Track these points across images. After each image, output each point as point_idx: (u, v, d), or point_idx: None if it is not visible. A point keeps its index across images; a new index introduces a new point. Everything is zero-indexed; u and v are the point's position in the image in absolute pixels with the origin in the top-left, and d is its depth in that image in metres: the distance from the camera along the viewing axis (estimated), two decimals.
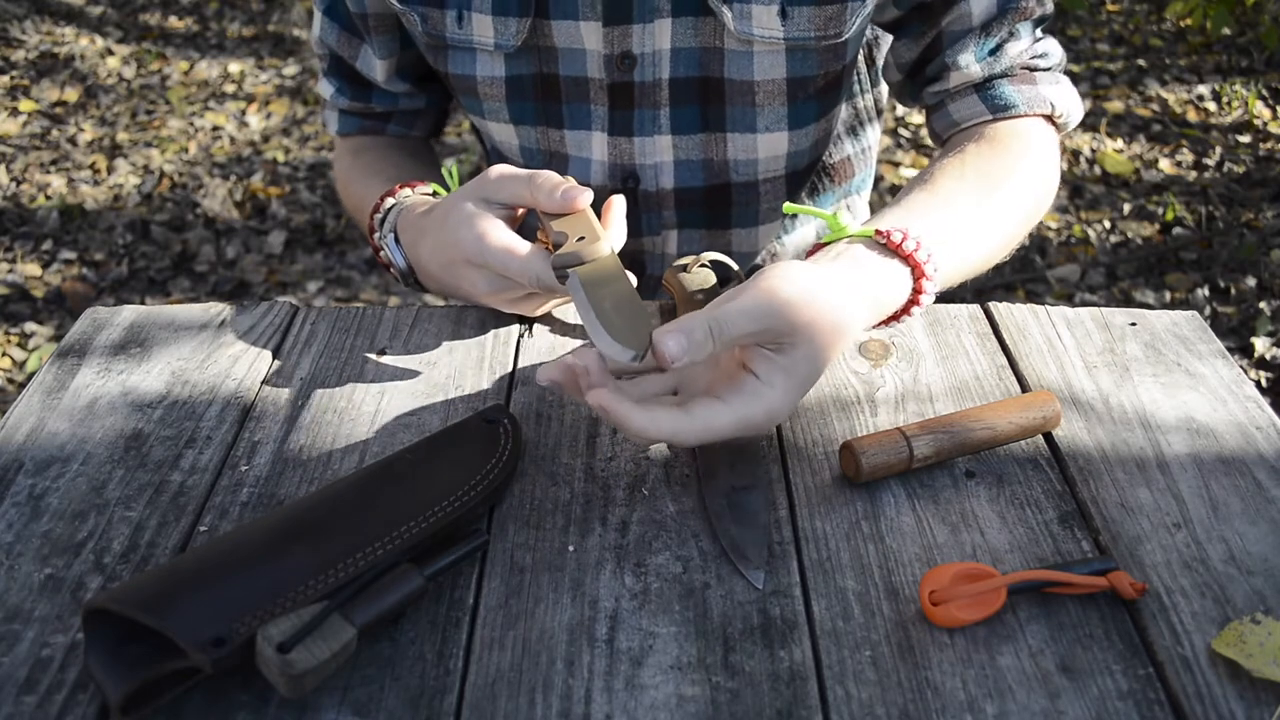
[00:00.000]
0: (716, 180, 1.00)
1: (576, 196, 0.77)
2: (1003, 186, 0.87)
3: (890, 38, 0.97)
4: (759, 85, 0.93)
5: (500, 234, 0.78)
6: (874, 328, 0.81)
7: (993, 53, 0.92)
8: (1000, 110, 0.92)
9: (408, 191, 0.92)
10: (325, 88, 1.07)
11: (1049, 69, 0.94)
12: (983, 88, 0.93)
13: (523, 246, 0.77)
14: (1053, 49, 0.95)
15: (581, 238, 0.75)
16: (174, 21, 3.91)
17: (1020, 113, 0.92)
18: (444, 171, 0.96)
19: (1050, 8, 0.93)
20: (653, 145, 0.97)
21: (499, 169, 0.81)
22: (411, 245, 0.87)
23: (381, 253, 0.91)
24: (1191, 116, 3.19)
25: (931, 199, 0.83)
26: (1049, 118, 0.94)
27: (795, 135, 0.97)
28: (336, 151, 1.13)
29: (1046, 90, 0.92)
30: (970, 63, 0.91)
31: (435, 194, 0.92)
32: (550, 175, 0.78)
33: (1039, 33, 0.94)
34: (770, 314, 0.66)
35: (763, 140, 0.97)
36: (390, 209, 0.91)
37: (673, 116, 0.95)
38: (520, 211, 0.83)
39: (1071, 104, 0.94)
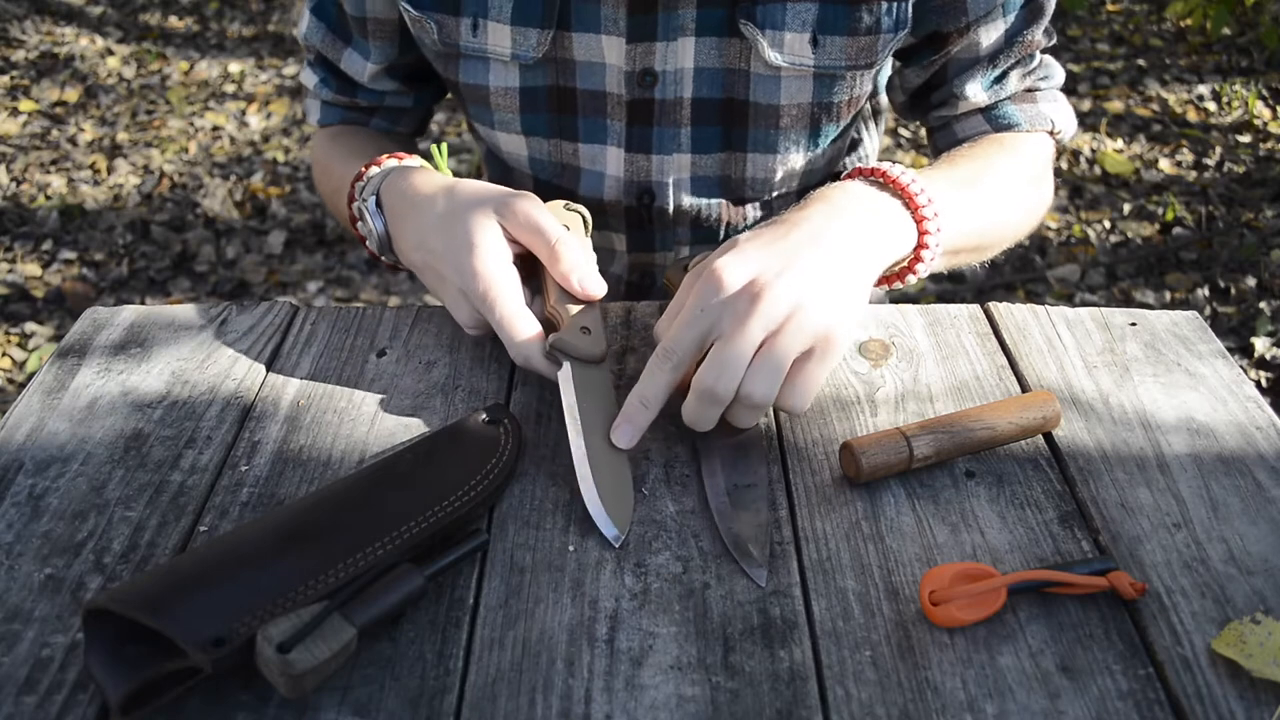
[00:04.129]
0: (731, 196, 0.99)
1: (593, 291, 0.76)
2: (1005, 161, 0.91)
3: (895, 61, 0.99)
4: (784, 109, 0.92)
5: (509, 299, 0.74)
6: (885, 279, 0.80)
7: (998, 80, 0.95)
8: (1004, 128, 0.96)
9: (394, 161, 0.87)
10: (309, 78, 1.04)
11: (1049, 89, 0.98)
12: (987, 110, 0.96)
13: (526, 327, 0.74)
14: (1054, 70, 0.98)
15: (585, 328, 0.75)
16: (174, 21, 3.91)
17: (1024, 130, 0.95)
18: (432, 149, 0.92)
19: (1054, 39, 0.96)
20: (672, 163, 0.96)
21: (528, 206, 0.76)
22: (396, 217, 0.82)
23: (358, 223, 0.86)
24: (1191, 116, 3.19)
25: (929, 167, 0.86)
26: (1049, 133, 0.97)
27: (812, 155, 0.98)
28: (315, 139, 1.09)
29: (1046, 108, 0.96)
30: (977, 91, 0.94)
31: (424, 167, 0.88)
32: (573, 255, 0.75)
33: (1040, 56, 0.97)
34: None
35: (781, 160, 0.96)
36: (375, 175, 0.86)
37: (694, 136, 0.94)
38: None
39: (1068, 120, 0.98)
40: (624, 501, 0.68)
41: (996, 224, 0.90)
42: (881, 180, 0.78)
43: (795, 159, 0.97)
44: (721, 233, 1.02)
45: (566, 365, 0.73)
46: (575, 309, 0.76)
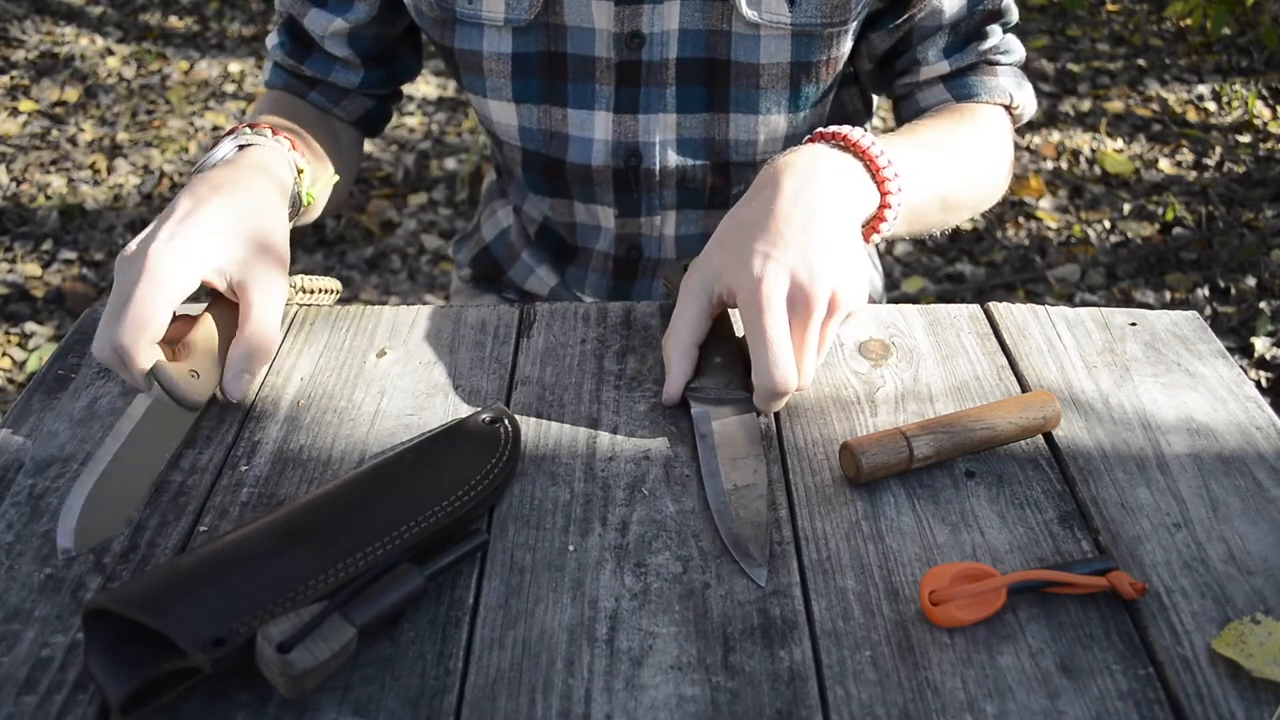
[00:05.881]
0: (717, 159, 1.01)
1: (230, 395, 0.76)
2: (963, 129, 0.95)
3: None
4: (764, 68, 0.94)
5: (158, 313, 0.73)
6: (866, 231, 0.83)
7: (960, 49, 0.98)
8: (964, 97, 0.99)
9: (247, 134, 0.86)
10: (271, 39, 1.05)
11: (1010, 65, 1.01)
12: (949, 79, 0.99)
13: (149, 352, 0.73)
14: (1014, 46, 1.01)
15: (194, 372, 0.74)
16: (174, 21, 3.90)
17: (983, 100, 0.98)
18: (305, 182, 0.90)
19: (1015, 15, 1.00)
20: (658, 123, 0.98)
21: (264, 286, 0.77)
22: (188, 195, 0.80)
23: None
24: (1191, 116, 3.19)
25: (891, 133, 0.90)
26: (1007, 108, 1.00)
27: (794, 118, 0.99)
28: (257, 101, 1.09)
29: (1006, 82, 0.99)
30: (939, 58, 0.98)
31: (299, 176, 0.88)
32: (249, 349, 0.76)
33: (1003, 32, 1.00)
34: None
35: (763, 121, 0.98)
36: (217, 149, 0.86)
37: (678, 95, 0.97)
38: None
39: (1028, 99, 1.01)
40: (112, 512, 0.64)
41: (956, 188, 0.93)
42: (843, 144, 0.81)
43: (777, 121, 0.99)
44: (707, 197, 1.04)
45: (155, 386, 0.72)
46: (203, 353, 0.75)
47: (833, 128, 0.82)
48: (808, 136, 0.83)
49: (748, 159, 1.01)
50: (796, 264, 0.73)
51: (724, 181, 1.03)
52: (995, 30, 0.98)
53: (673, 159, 1.00)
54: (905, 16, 0.94)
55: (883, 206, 0.81)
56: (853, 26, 0.94)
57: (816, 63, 0.95)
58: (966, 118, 0.96)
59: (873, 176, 0.80)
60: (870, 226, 0.82)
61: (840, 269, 0.74)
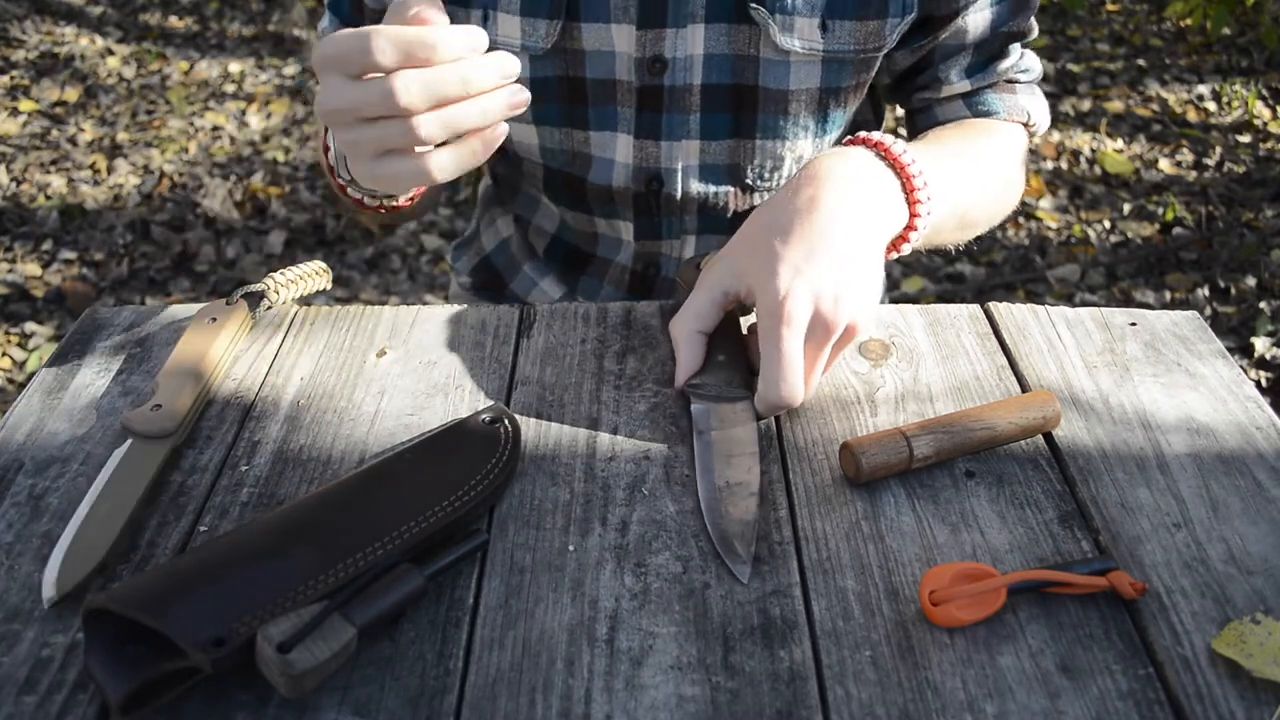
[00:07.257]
0: (740, 185, 1.00)
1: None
2: (985, 145, 0.95)
3: None
4: (793, 95, 0.93)
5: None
6: (889, 250, 0.82)
7: (982, 69, 0.98)
8: (983, 114, 0.99)
9: None
10: (322, 25, 1.03)
11: (1028, 82, 1.01)
12: (968, 96, 0.99)
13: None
14: (1033, 64, 1.02)
15: (158, 405, 0.74)
16: (174, 21, 3.91)
17: (1001, 117, 0.99)
18: None
19: (1036, 32, 1.00)
20: (680, 149, 0.97)
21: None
22: None
23: (328, 152, 0.82)
24: (1191, 116, 3.19)
25: (919, 141, 0.90)
26: (1024, 124, 1.00)
27: (819, 142, 0.99)
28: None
29: (1024, 100, 0.99)
30: (961, 77, 0.98)
31: None
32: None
33: (1022, 49, 1.00)
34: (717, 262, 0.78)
35: (789, 147, 0.97)
36: None
37: (703, 122, 0.95)
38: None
39: (1043, 115, 1.02)
40: (88, 554, 0.64)
41: (976, 205, 0.93)
42: (883, 154, 0.80)
43: (803, 145, 0.98)
44: (728, 222, 1.03)
45: (129, 443, 0.72)
46: (166, 383, 0.76)
47: (876, 135, 0.80)
48: (849, 139, 0.82)
49: (771, 183, 1.01)
50: (824, 287, 0.73)
51: (746, 206, 1.02)
52: (1016, 49, 0.98)
53: (695, 185, 0.99)
54: (930, 36, 0.94)
55: (909, 228, 0.80)
56: (885, 51, 0.93)
57: (846, 87, 0.95)
58: (985, 134, 0.96)
59: (906, 196, 0.79)
60: (892, 244, 0.82)
61: (863, 300, 0.74)
